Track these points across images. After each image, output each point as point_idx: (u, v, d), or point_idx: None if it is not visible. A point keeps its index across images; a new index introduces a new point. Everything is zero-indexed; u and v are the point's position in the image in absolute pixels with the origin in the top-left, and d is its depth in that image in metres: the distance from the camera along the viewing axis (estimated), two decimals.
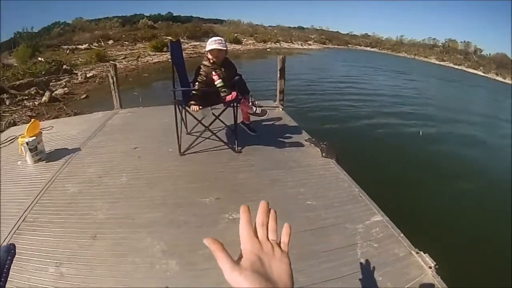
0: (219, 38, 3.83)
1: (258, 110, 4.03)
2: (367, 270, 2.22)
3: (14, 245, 1.05)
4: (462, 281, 2.45)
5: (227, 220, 2.72)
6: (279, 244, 0.55)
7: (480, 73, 33.25)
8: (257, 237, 0.54)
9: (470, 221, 4.61)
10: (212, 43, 3.72)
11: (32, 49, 16.84)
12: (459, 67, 35.24)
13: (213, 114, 3.93)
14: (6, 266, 0.95)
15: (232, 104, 3.86)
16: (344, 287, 2.08)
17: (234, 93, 3.70)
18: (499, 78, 31.07)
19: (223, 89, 3.75)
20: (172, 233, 2.57)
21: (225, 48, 3.76)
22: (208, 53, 3.77)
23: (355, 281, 2.12)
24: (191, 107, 3.65)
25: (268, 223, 0.57)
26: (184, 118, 4.25)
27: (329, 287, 2.09)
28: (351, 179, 3.46)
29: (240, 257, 0.51)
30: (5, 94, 9.20)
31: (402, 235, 2.60)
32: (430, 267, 2.24)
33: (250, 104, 3.97)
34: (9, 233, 2.58)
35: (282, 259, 0.53)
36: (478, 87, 24.78)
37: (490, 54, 38.95)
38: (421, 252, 2.38)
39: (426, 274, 2.20)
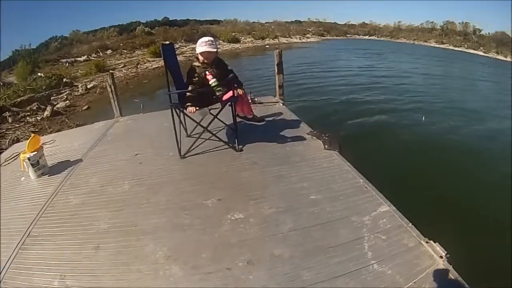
0: (209, 39, 3.79)
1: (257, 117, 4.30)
2: (375, 264, 2.15)
3: None
4: (474, 269, 2.37)
5: (229, 221, 2.67)
6: None
7: (481, 53, 32.60)
8: None
9: (480, 205, 4.53)
10: (202, 45, 3.70)
11: (32, 65, 16.90)
12: (459, 49, 34.69)
13: (211, 114, 3.89)
14: None
15: (230, 103, 3.82)
16: (352, 283, 2.02)
17: (230, 92, 3.67)
18: (500, 57, 30.42)
19: (218, 88, 3.71)
20: (175, 237, 2.53)
21: (215, 50, 3.74)
22: (199, 55, 3.74)
23: (364, 276, 2.06)
24: (187, 109, 3.62)
25: None
26: (182, 121, 4.21)
27: (337, 283, 2.03)
28: (355, 170, 3.38)
29: None
30: (7, 112, 9.26)
31: (410, 224, 2.51)
32: (441, 257, 2.15)
33: (249, 100, 3.93)
34: (14, 249, 2.57)
35: None
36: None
37: (489, 33, 38.16)
38: (431, 241, 2.30)
39: (438, 264, 2.12)
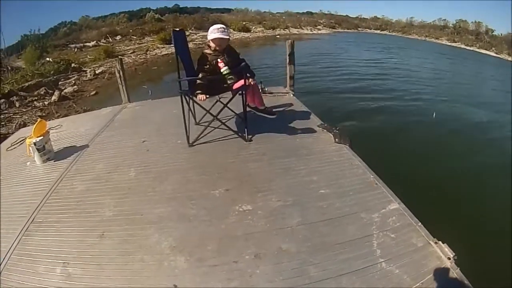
0: (221, 26, 3.72)
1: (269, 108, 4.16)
2: (383, 262, 2.09)
3: None
4: (482, 273, 2.31)
5: (237, 213, 2.61)
6: None
7: (492, 53, 31.84)
8: None
9: (493, 207, 4.43)
10: (215, 32, 3.63)
11: (40, 50, 16.89)
12: (471, 48, 33.90)
13: (221, 103, 3.82)
14: None
15: (240, 92, 3.75)
16: (359, 281, 1.97)
17: (242, 81, 3.59)
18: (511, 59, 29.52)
19: (230, 76, 3.63)
20: (181, 228, 2.48)
21: (227, 37, 3.67)
22: (211, 42, 3.67)
23: (371, 275, 2.01)
24: (197, 97, 3.55)
25: None
26: (192, 108, 4.15)
27: (343, 281, 1.97)
28: (366, 165, 3.29)
29: None
30: (14, 97, 9.25)
31: (420, 224, 2.44)
32: (449, 258, 2.09)
33: (260, 91, 3.86)
34: (18, 235, 2.55)
35: None
36: None
37: (502, 34, 37.30)
38: (440, 242, 2.23)
39: (445, 266, 2.06)
